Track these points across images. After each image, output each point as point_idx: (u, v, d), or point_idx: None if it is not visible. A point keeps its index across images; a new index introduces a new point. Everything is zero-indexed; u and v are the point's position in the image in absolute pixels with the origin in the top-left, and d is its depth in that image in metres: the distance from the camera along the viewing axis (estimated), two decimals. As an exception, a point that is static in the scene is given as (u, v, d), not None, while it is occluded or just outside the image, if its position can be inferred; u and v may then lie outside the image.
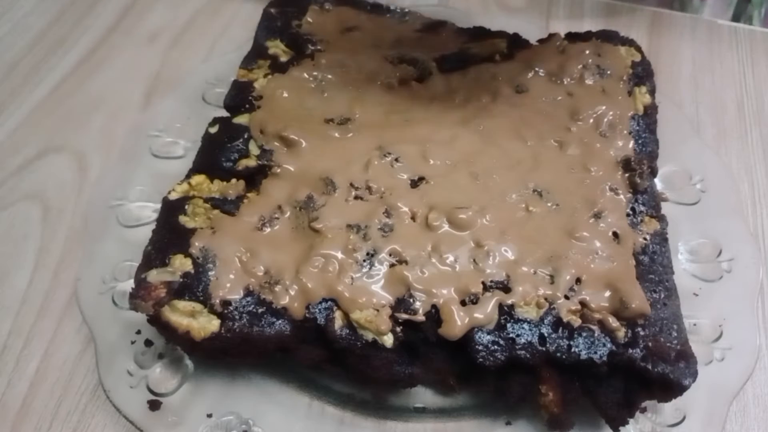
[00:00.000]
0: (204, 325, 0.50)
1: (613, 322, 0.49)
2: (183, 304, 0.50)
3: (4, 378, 0.59)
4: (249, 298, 0.51)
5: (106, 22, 0.89)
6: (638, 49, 0.69)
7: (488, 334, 0.49)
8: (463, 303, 0.50)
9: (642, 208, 0.57)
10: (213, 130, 0.62)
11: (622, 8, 0.92)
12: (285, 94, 0.63)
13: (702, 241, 0.64)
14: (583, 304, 0.50)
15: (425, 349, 0.51)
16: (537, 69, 0.66)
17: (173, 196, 0.57)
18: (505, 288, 0.51)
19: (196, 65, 0.83)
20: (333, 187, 0.56)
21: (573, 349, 0.48)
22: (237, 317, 0.50)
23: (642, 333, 0.49)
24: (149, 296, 0.50)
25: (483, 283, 0.51)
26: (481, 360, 0.48)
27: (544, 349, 0.49)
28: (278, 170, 0.58)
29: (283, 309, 0.50)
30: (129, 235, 0.63)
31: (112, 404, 0.54)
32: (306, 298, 0.50)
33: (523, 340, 0.49)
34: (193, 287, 0.51)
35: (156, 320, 0.51)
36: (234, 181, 0.58)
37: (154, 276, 0.51)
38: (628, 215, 0.56)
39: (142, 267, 0.52)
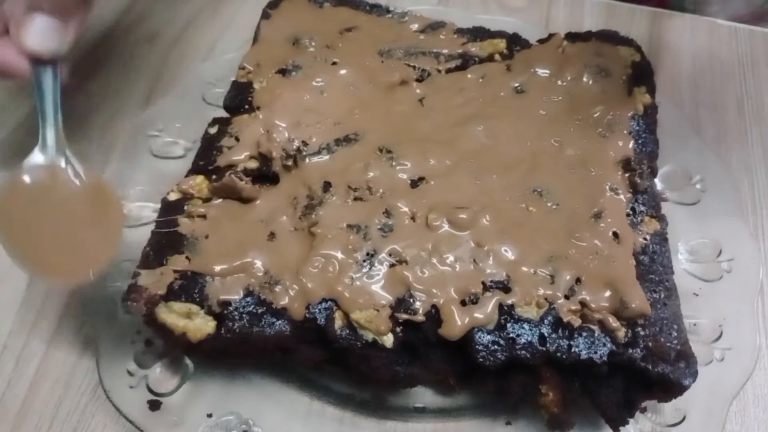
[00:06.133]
0: (200, 326, 0.50)
1: (613, 322, 0.49)
2: (179, 306, 0.50)
3: (4, 378, 0.59)
4: (249, 299, 0.51)
5: (106, 22, 0.89)
6: (638, 49, 0.69)
7: (488, 334, 0.49)
8: (463, 303, 0.50)
9: (642, 208, 0.57)
10: (212, 130, 0.62)
11: (622, 8, 0.92)
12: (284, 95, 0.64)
13: (702, 241, 0.64)
14: (583, 304, 0.50)
15: (425, 349, 0.51)
16: (537, 69, 0.66)
17: (172, 197, 0.57)
18: (505, 288, 0.51)
19: (196, 65, 0.83)
20: (333, 188, 0.56)
21: (573, 349, 0.48)
22: (237, 318, 0.50)
23: (642, 333, 0.49)
24: (141, 297, 0.50)
25: (483, 283, 0.51)
26: (481, 360, 0.48)
27: (544, 349, 0.48)
28: (279, 170, 0.58)
29: (283, 309, 0.50)
30: (129, 235, 0.63)
31: (112, 404, 0.54)
32: (306, 299, 0.50)
33: (523, 340, 0.49)
34: (189, 288, 0.51)
35: (152, 322, 0.51)
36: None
37: (143, 279, 0.51)
38: (628, 215, 0.56)
39: (141, 268, 0.52)
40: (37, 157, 0.49)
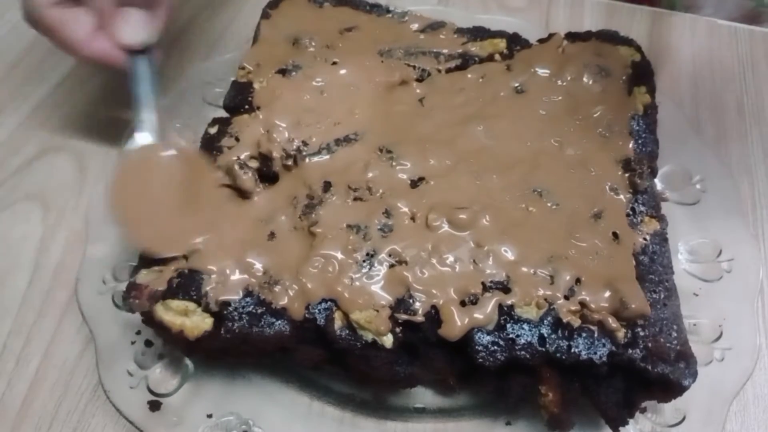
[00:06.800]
0: (197, 323, 0.50)
1: (612, 322, 0.49)
2: (176, 303, 0.50)
3: (4, 378, 0.59)
4: (248, 299, 0.51)
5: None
6: (638, 49, 0.69)
7: (488, 334, 0.49)
8: (462, 303, 0.50)
9: (642, 208, 0.57)
10: (212, 130, 0.62)
11: (622, 8, 0.92)
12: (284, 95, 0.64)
13: (702, 241, 0.64)
14: (583, 304, 0.50)
15: (425, 350, 0.51)
16: (537, 69, 0.66)
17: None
18: (505, 288, 0.51)
19: (196, 65, 0.83)
20: (333, 188, 0.56)
21: (573, 350, 0.48)
22: (236, 318, 0.50)
23: (642, 333, 0.49)
24: (142, 294, 0.50)
25: (483, 283, 0.50)
26: (481, 360, 0.48)
27: (544, 349, 0.48)
28: (279, 170, 0.58)
29: (283, 309, 0.50)
30: (129, 235, 0.63)
31: (112, 404, 0.54)
32: (306, 299, 0.50)
33: (522, 341, 0.49)
34: (187, 286, 0.51)
35: (150, 320, 0.51)
36: (234, 181, 0.58)
37: (143, 277, 0.51)
38: (628, 215, 0.56)
39: (139, 268, 0.53)
40: (137, 138, 0.55)
